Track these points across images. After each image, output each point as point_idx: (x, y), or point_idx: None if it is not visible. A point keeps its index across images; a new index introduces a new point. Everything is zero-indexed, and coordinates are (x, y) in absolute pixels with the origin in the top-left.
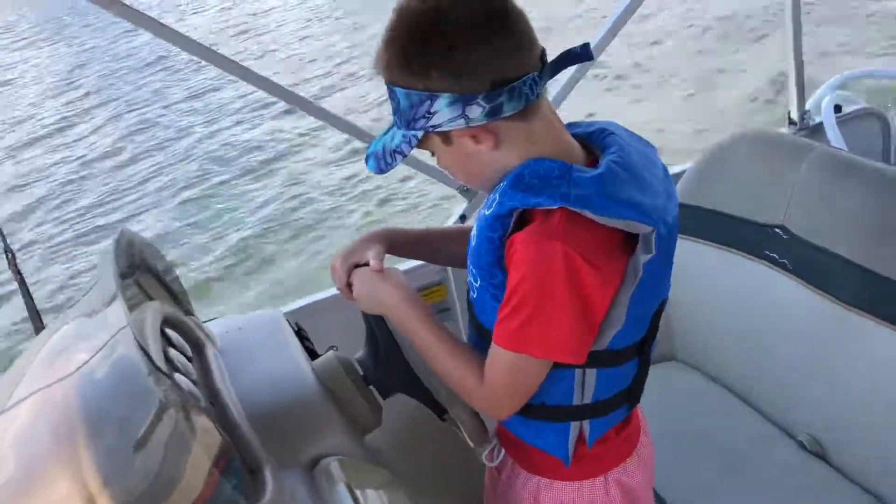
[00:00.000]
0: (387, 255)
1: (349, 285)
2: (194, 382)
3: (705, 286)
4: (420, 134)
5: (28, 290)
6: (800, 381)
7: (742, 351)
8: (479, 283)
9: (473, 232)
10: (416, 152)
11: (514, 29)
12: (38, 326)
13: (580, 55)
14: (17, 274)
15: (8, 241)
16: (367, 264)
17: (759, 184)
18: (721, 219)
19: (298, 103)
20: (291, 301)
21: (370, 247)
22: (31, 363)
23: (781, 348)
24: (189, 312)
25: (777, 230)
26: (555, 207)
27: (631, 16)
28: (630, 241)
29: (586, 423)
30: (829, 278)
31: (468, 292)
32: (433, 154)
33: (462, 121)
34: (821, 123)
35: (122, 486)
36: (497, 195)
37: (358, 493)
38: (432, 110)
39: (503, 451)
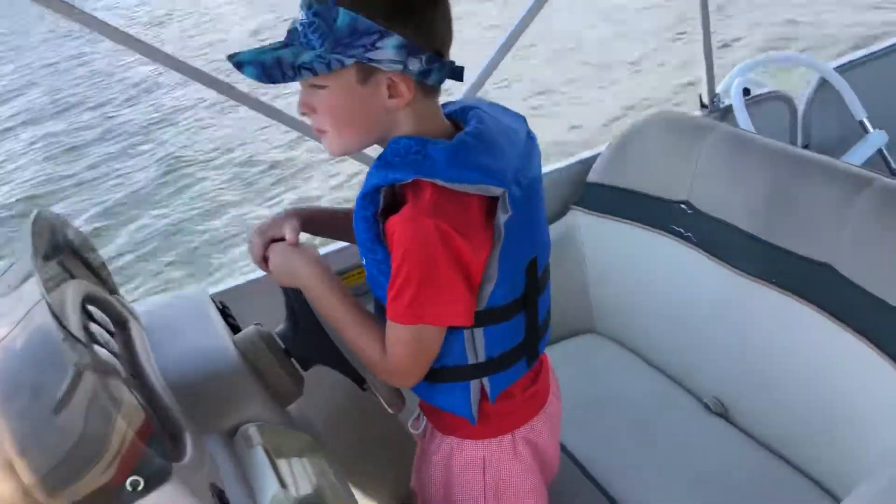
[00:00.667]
0: (303, 234)
1: (265, 259)
2: (116, 356)
3: (619, 262)
4: (347, 61)
5: None
6: (706, 347)
7: (653, 321)
8: (364, 260)
9: None
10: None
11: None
12: None
13: (455, 73)
14: None
15: None
16: (282, 239)
17: (666, 163)
18: (632, 196)
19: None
20: (218, 285)
21: (287, 222)
22: None
23: (689, 317)
24: (113, 291)
25: (682, 206)
26: (411, 181)
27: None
28: (491, 207)
29: (486, 381)
30: (729, 250)
31: None
32: (315, 89)
33: (399, 66)
34: (730, 106)
35: (39, 451)
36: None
37: (281, 461)
38: (378, 45)
39: (425, 419)
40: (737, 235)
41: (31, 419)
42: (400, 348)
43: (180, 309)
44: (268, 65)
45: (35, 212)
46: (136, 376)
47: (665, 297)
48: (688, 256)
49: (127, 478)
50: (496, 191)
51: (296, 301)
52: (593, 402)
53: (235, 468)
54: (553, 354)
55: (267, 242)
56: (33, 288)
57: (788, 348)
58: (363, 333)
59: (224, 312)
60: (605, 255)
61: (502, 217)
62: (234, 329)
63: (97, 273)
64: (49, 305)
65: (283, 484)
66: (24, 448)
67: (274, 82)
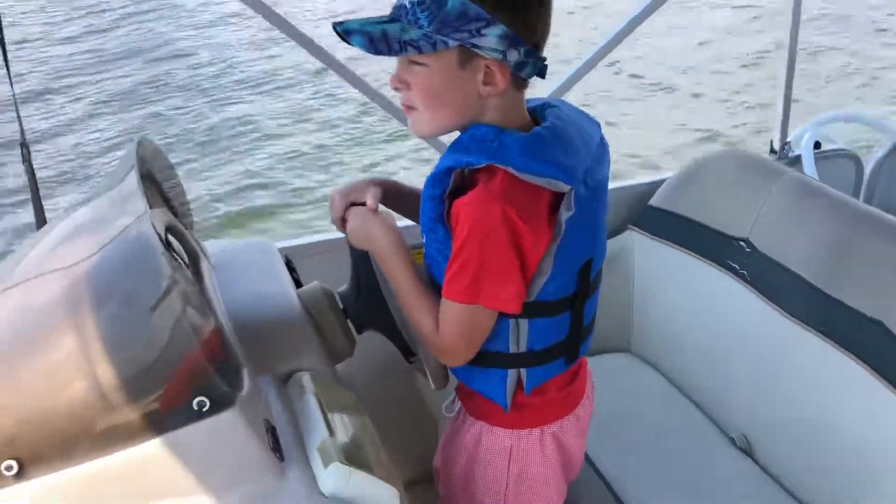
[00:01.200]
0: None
1: (343, 220)
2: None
3: (667, 286)
4: (451, 42)
5: (36, 186)
6: (740, 383)
7: (691, 350)
8: (425, 238)
9: None
10: None
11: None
12: (41, 220)
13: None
14: (30, 169)
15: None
16: (363, 204)
17: (732, 199)
18: (692, 226)
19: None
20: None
21: (370, 189)
22: (45, 247)
23: (728, 351)
24: (188, 227)
25: (741, 243)
26: (487, 166)
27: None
28: (557, 203)
29: (524, 371)
30: (781, 292)
31: None
32: (412, 65)
33: (500, 55)
34: (799, 156)
35: (123, 356)
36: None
37: (329, 411)
38: (483, 31)
39: (460, 403)
40: (791, 279)
41: (119, 324)
42: (453, 327)
43: (248, 255)
44: (375, 37)
45: (140, 136)
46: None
47: (707, 328)
48: (738, 292)
49: (194, 397)
50: (563, 187)
51: (362, 266)
52: (620, 418)
53: (285, 410)
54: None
55: (347, 205)
56: (137, 204)
57: (825, 397)
58: (422, 307)
59: (289, 266)
60: (654, 279)
61: (565, 213)
62: (297, 284)
63: (172, 206)
64: (152, 221)
65: (330, 432)
66: (109, 352)
67: (379, 54)
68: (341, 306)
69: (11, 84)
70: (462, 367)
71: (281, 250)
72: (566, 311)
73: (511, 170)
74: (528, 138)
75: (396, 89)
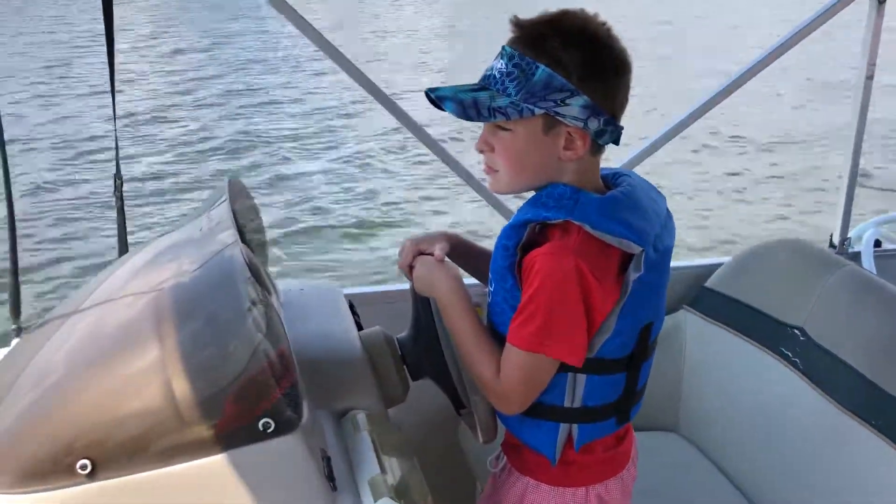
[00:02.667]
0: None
1: (411, 268)
2: None
3: (718, 369)
4: (537, 111)
5: (123, 215)
6: (788, 471)
7: (740, 435)
8: (493, 287)
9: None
10: None
11: None
12: (123, 248)
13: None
14: (119, 199)
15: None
16: (431, 254)
17: (788, 287)
18: (747, 311)
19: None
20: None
21: (439, 241)
22: (132, 270)
23: (777, 439)
24: (264, 263)
25: (796, 331)
26: (563, 222)
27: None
28: (626, 264)
29: (575, 427)
30: (835, 383)
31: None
32: (497, 130)
33: (581, 123)
34: (859, 252)
35: (199, 374)
36: (516, 212)
37: (381, 450)
38: (567, 101)
39: (505, 457)
40: (846, 371)
41: (199, 342)
42: (515, 373)
43: (315, 296)
44: (466, 103)
45: (229, 176)
46: None
47: (757, 415)
48: (790, 380)
49: (260, 418)
50: (635, 248)
51: (423, 313)
52: (663, 497)
53: (339, 445)
54: None
55: (416, 253)
56: (227, 232)
57: (875, 492)
58: (482, 352)
59: (352, 310)
60: (705, 360)
61: (633, 274)
62: (358, 327)
63: (248, 242)
64: (242, 249)
65: (382, 469)
66: (186, 366)
67: (468, 119)
68: (399, 352)
69: (115, 120)
70: (515, 418)
71: (345, 296)
72: (623, 371)
73: (587, 227)
74: (605, 200)
75: (481, 151)
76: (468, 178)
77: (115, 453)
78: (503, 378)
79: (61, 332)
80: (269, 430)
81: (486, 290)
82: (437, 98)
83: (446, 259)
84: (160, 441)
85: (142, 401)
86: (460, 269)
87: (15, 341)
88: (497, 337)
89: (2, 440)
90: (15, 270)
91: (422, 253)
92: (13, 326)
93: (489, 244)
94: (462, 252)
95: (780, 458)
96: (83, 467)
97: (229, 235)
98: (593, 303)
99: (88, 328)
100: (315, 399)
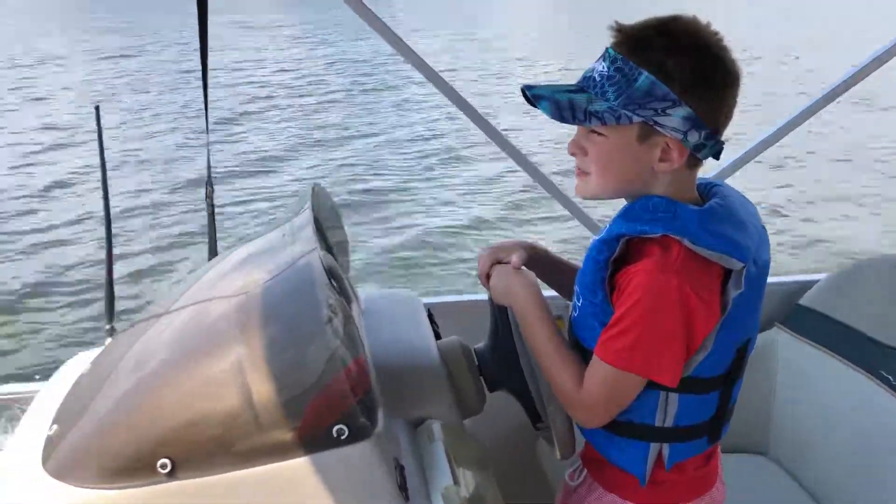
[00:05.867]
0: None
1: (488, 276)
2: None
3: (811, 391)
4: (635, 118)
5: (214, 222)
6: (887, 501)
7: (834, 460)
8: (581, 301)
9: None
10: None
11: None
12: (212, 252)
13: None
14: (210, 206)
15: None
16: (508, 263)
17: (889, 306)
18: (845, 331)
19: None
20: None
21: (516, 250)
22: (219, 274)
23: (877, 466)
24: (345, 271)
25: None
26: (661, 237)
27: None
28: (726, 280)
29: (666, 447)
30: None
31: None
32: (591, 134)
33: (680, 136)
34: None
35: (277, 379)
36: (608, 224)
37: (455, 462)
38: (668, 112)
39: (585, 470)
40: None
41: (278, 347)
42: (599, 387)
43: (395, 304)
44: (562, 105)
45: (314, 184)
46: None
47: (854, 441)
48: (890, 404)
49: (334, 424)
50: (736, 264)
51: (501, 324)
52: None
53: (413, 454)
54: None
55: (494, 262)
56: (308, 240)
57: None
58: (562, 363)
59: (430, 319)
60: (798, 381)
61: (733, 291)
62: (436, 336)
63: (332, 252)
64: (321, 256)
65: (455, 481)
66: (265, 371)
67: (563, 121)
68: (476, 363)
69: (207, 133)
70: (601, 436)
71: (424, 305)
72: (717, 390)
73: (687, 242)
74: (704, 212)
75: (573, 154)
76: (553, 189)
77: (194, 454)
78: (586, 391)
79: (149, 333)
80: (343, 437)
81: (566, 302)
82: (532, 97)
83: (523, 268)
84: (239, 443)
85: (222, 403)
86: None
87: (108, 341)
88: (581, 351)
89: (89, 437)
90: (110, 273)
91: (499, 262)
92: (107, 327)
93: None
94: (541, 262)
95: (881, 486)
96: (163, 466)
97: (311, 242)
98: (695, 324)
99: (175, 331)
100: (390, 407)
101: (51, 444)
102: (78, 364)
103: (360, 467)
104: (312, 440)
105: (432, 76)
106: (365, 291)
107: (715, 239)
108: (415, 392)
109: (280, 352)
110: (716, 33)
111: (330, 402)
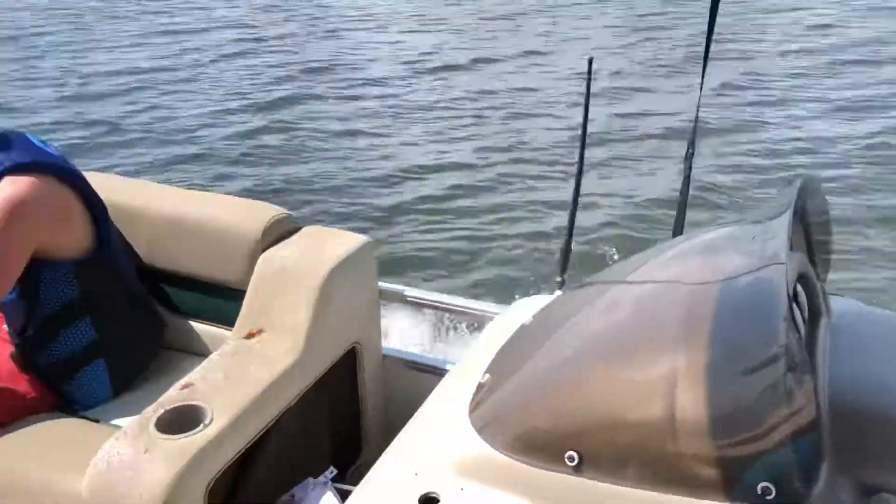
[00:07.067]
0: None
1: None
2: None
3: None
4: None
5: (687, 194)
6: None
7: None
8: None
9: None
10: None
11: None
12: (678, 230)
13: None
14: (686, 178)
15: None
16: None
17: None
18: None
19: None
20: None
21: None
22: (675, 255)
23: None
24: (820, 277)
25: None
26: None
27: None
28: None
29: None
30: None
31: None
32: None
33: None
34: None
35: (709, 398)
36: None
37: None
38: None
39: None
40: None
41: (717, 368)
42: None
43: (877, 326)
44: None
45: (807, 174)
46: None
47: None
48: None
49: (759, 479)
50: None
51: None
52: None
53: None
54: None
55: None
56: (779, 247)
57: None
58: None
59: None
60: None
61: None
62: None
63: (812, 252)
64: (788, 278)
65: None
66: (698, 390)
67: None
68: None
69: (698, 109)
70: None
71: None
72: None
73: None
74: None
75: None
76: None
77: (605, 456)
78: None
79: (596, 303)
80: (769, 498)
81: None
82: None
83: None
84: (652, 461)
85: (645, 412)
86: None
87: (557, 293)
88: None
89: (514, 403)
90: (571, 224)
91: None
92: (558, 279)
93: None
94: None
95: None
96: (571, 458)
97: (782, 246)
98: None
99: (620, 309)
100: (841, 462)
101: (479, 393)
102: (526, 307)
103: None
104: (731, 488)
105: None
106: (842, 303)
107: None
108: (880, 448)
109: (717, 374)
110: None
111: (759, 451)
